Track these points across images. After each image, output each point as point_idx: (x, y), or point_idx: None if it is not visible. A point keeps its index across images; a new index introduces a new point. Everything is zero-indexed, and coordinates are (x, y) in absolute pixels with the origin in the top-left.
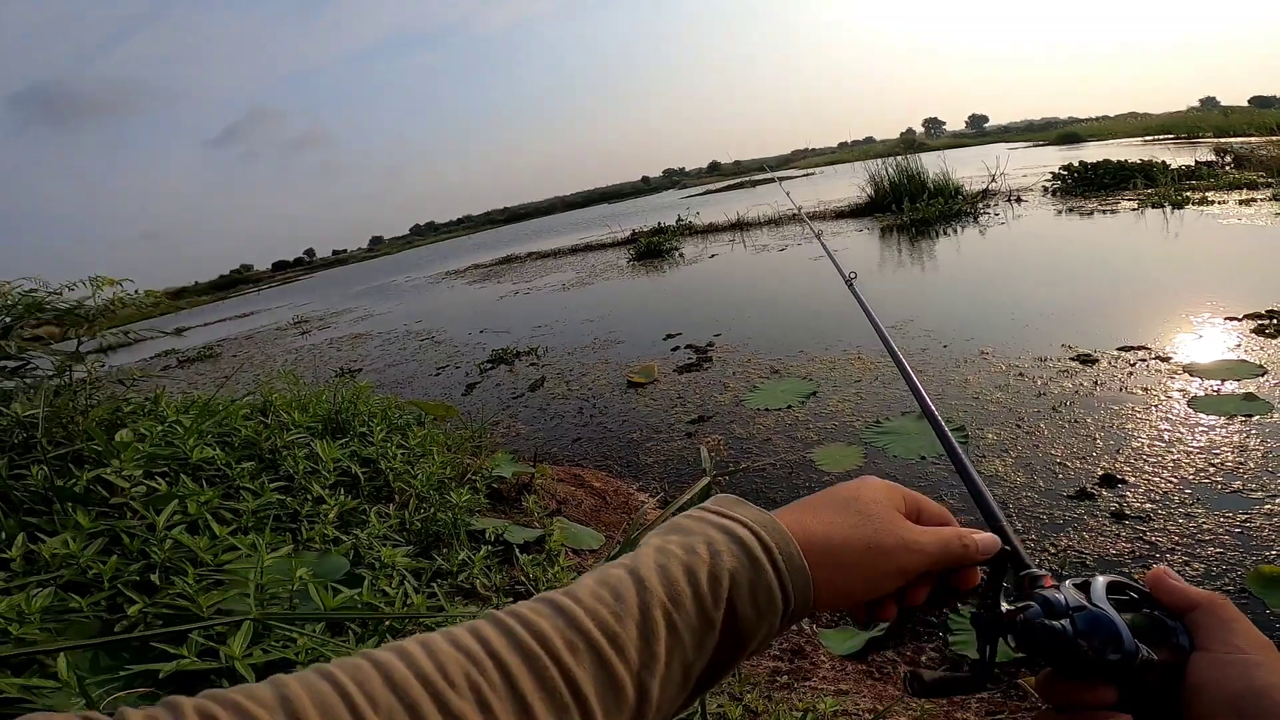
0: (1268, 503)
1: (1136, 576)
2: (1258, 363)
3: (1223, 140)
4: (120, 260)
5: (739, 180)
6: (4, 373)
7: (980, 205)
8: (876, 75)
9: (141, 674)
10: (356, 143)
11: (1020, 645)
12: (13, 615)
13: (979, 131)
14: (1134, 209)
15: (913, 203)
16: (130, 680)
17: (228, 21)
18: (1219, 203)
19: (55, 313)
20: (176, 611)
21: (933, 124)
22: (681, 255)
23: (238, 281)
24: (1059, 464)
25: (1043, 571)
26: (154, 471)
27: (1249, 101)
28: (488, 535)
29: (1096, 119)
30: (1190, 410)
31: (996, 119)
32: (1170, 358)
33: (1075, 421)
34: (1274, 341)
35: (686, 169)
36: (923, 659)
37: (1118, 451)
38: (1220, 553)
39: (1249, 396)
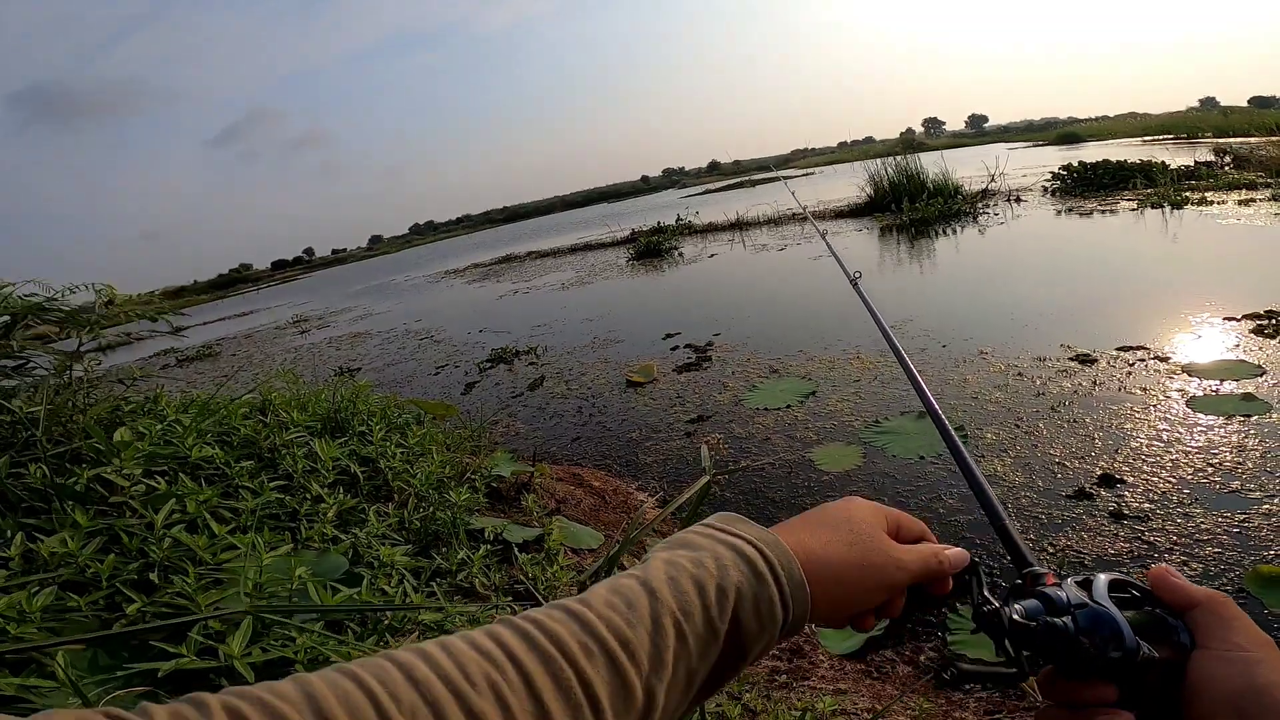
0: (1266, 502)
1: (1137, 575)
2: (1256, 363)
3: (1222, 140)
4: (120, 260)
5: (738, 180)
6: (4, 371)
7: (980, 205)
8: (876, 75)
9: (140, 673)
10: (356, 143)
11: (1022, 642)
12: (12, 614)
13: (978, 131)
14: (1133, 209)
15: (912, 202)
16: (129, 679)
17: (228, 21)
18: (1218, 203)
19: (59, 314)
20: (176, 610)
21: (932, 124)
22: (681, 255)
23: (237, 280)
24: (1058, 464)
25: (1045, 569)
26: (153, 470)
27: (1249, 102)
28: (487, 534)
29: (1096, 119)
30: (1189, 410)
31: (996, 119)
32: (1169, 358)
33: (1074, 421)
34: (1273, 342)
35: (686, 168)
36: (920, 658)
37: (1116, 451)
38: (1218, 552)
39: (1247, 397)
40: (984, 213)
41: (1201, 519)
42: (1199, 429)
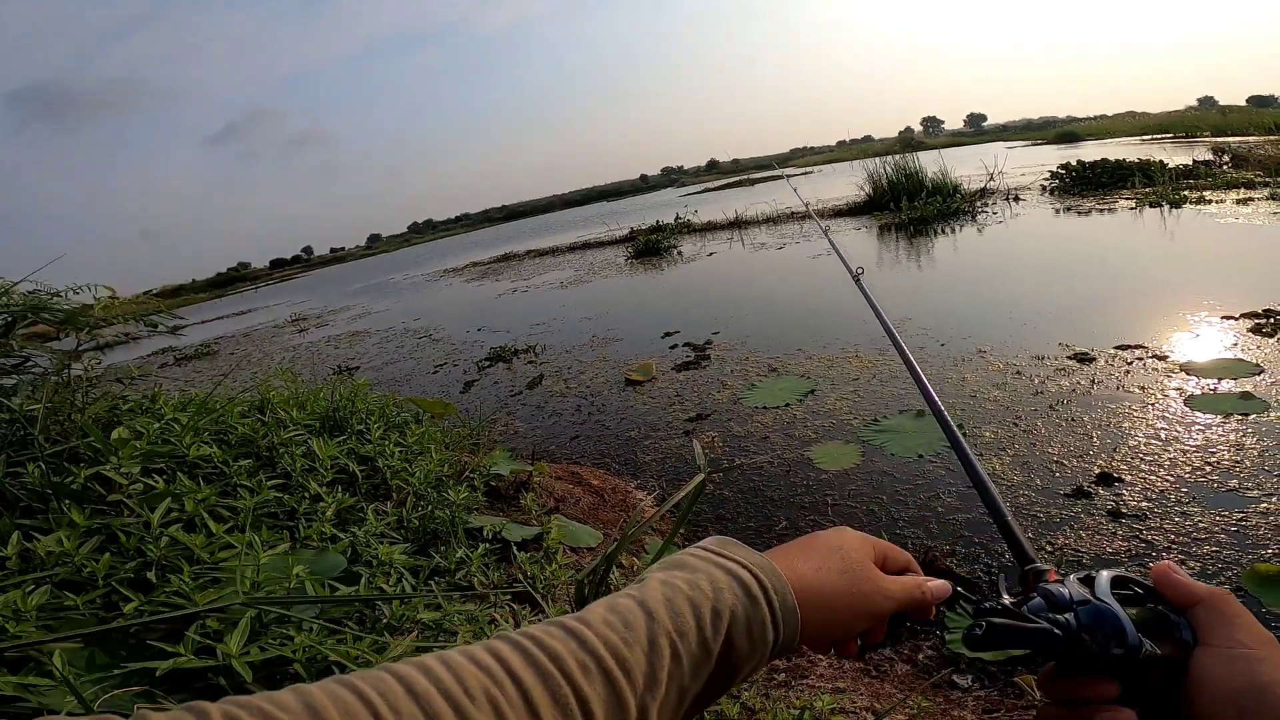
0: (1264, 501)
1: (1138, 573)
2: (1254, 362)
3: (1221, 139)
4: (119, 259)
5: (737, 179)
6: (4, 370)
7: (978, 204)
8: (875, 75)
9: (138, 672)
10: (356, 142)
11: (1024, 639)
12: (8, 613)
13: (977, 130)
14: (1132, 208)
15: (911, 201)
16: (126, 678)
17: (227, 21)
18: (1216, 202)
19: (58, 314)
20: (173, 609)
21: (931, 123)
22: (680, 253)
23: (235, 279)
24: (1056, 462)
25: (1047, 566)
26: (151, 469)
27: (1247, 101)
28: (485, 533)
29: (1095, 118)
30: (1187, 409)
31: (995, 118)
32: (1167, 356)
33: (1072, 420)
34: (1271, 340)
35: (685, 167)
36: (919, 656)
37: (1115, 450)
38: (1216, 551)
39: (1246, 395)
40: (982, 212)
41: (1199, 517)
42: (1197, 428)
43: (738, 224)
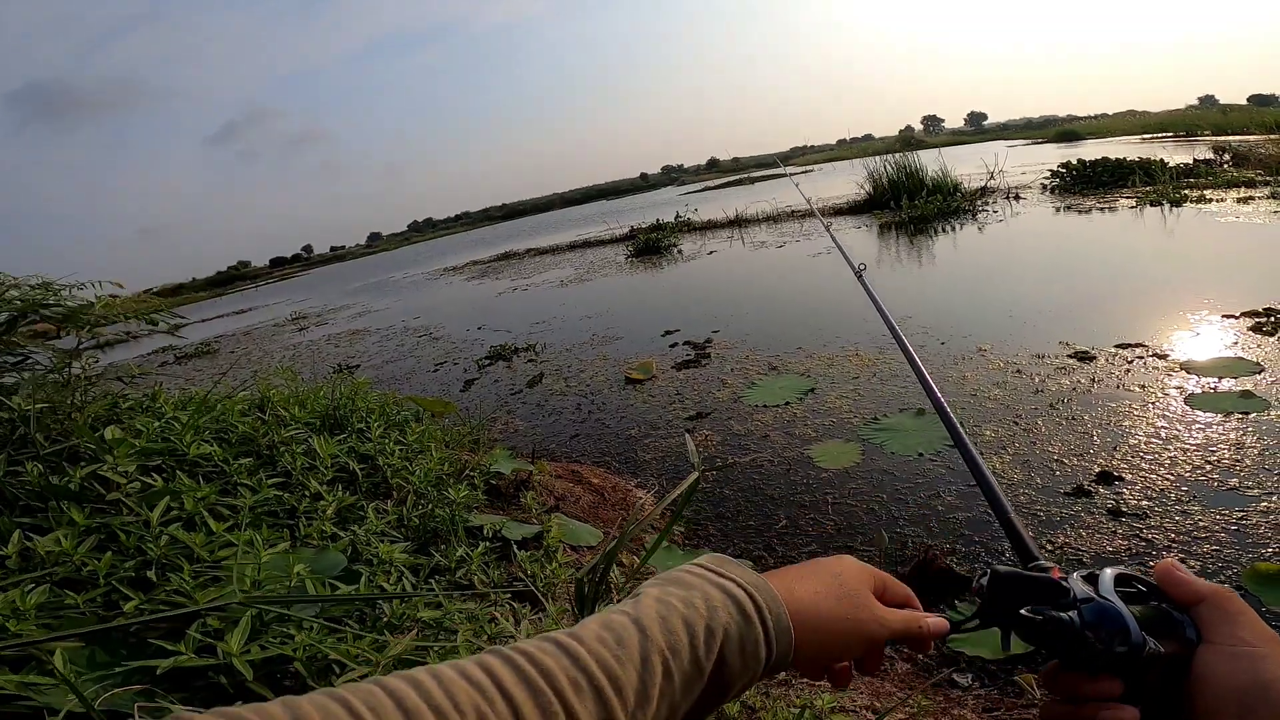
0: (1264, 500)
1: (1142, 570)
2: (1255, 360)
3: (1221, 138)
4: (119, 258)
5: (738, 177)
6: (6, 368)
7: (978, 203)
8: (876, 74)
9: (138, 670)
10: (355, 141)
11: (1027, 636)
12: (8, 612)
13: (978, 129)
14: (1132, 207)
15: (911, 200)
16: (127, 676)
17: (227, 21)
18: (1217, 201)
19: (61, 311)
20: (173, 608)
21: (931, 121)
22: (680, 252)
23: (235, 278)
24: (1056, 461)
25: (1050, 563)
26: (151, 468)
27: (1248, 100)
28: (485, 531)
29: (1095, 117)
30: (1187, 408)
31: (995, 116)
32: (1168, 355)
33: (1072, 418)
34: (1271, 339)
35: (685, 166)
36: (920, 656)
37: (1115, 449)
38: (1217, 550)
39: (1246, 394)
40: (983, 210)
41: (1199, 516)
42: (1197, 426)
43: (738, 222)
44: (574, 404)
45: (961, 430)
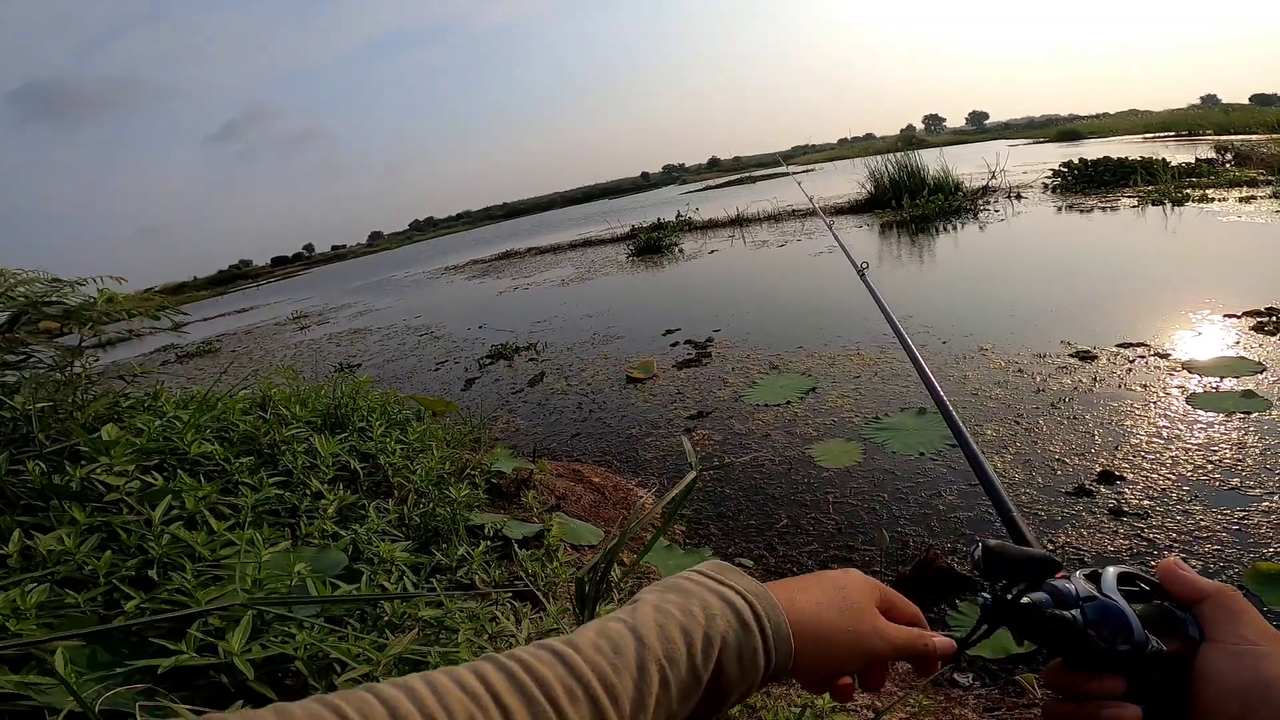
0: (1266, 500)
1: (1145, 569)
2: (1257, 360)
3: (1223, 138)
4: (119, 258)
5: (739, 176)
6: (10, 365)
7: (980, 202)
8: (877, 73)
9: (140, 669)
10: (356, 140)
11: (1030, 635)
12: (9, 611)
13: (979, 128)
14: (1134, 206)
15: (912, 199)
16: (128, 676)
17: (227, 20)
18: (1219, 200)
19: (64, 308)
20: (175, 607)
21: (933, 120)
22: (681, 251)
23: (237, 277)
24: (1057, 460)
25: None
26: (151, 467)
27: (1250, 99)
28: (486, 530)
29: (1097, 116)
30: (1189, 407)
31: (997, 116)
32: (1169, 354)
33: (1074, 418)
34: (1273, 339)
35: (686, 165)
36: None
37: (1116, 448)
38: (1218, 550)
39: (1248, 394)
40: (984, 209)
41: (1201, 516)
42: (1199, 426)
43: (739, 221)
44: (575, 403)
45: (964, 429)
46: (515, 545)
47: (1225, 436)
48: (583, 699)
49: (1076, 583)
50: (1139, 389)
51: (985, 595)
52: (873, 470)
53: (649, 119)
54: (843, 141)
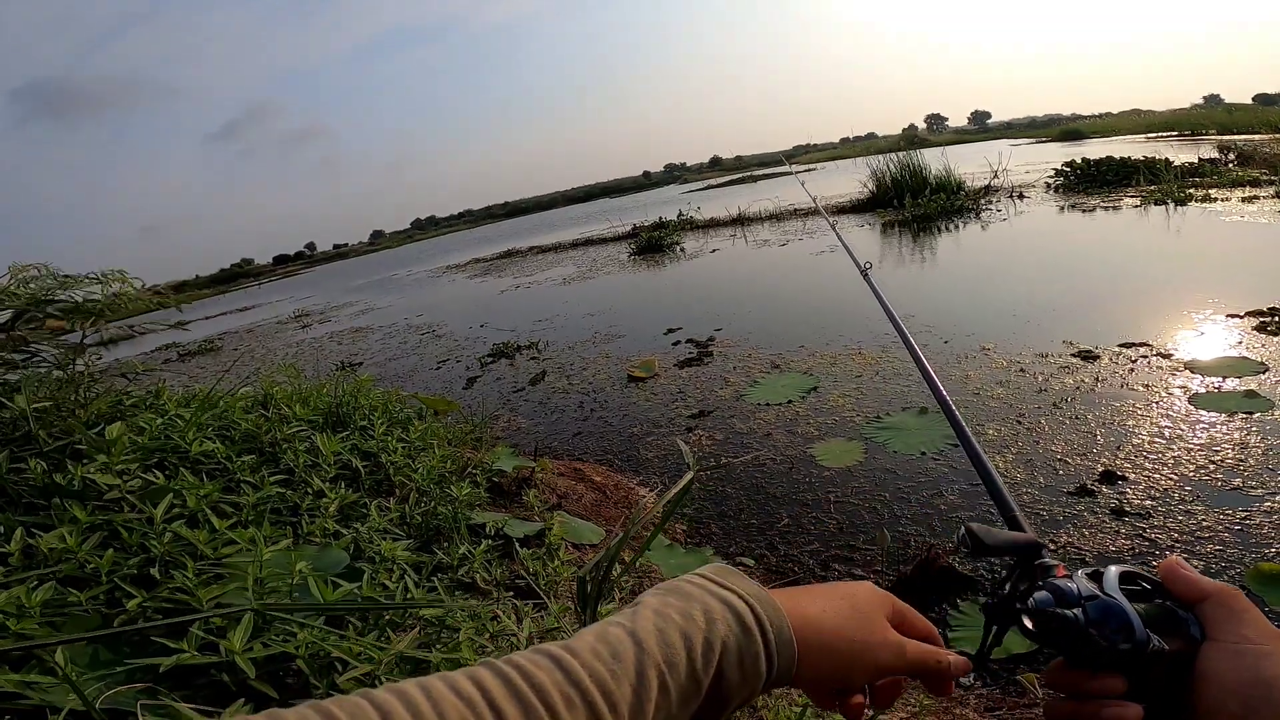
0: (1268, 500)
1: (1147, 568)
2: (1259, 360)
3: (1226, 137)
4: (120, 257)
5: (740, 175)
6: (14, 364)
7: (982, 201)
8: (879, 73)
9: (141, 668)
10: (357, 139)
11: (1031, 634)
12: (11, 609)
13: (981, 128)
14: (1137, 206)
15: (915, 199)
16: (130, 675)
17: (227, 19)
18: (1222, 200)
19: (66, 305)
20: (176, 606)
21: (935, 120)
22: (682, 250)
23: (238, 275)
24: (1059, 460)
25: (1055, 561)
26: (152, 465)
27: (1253, 99)
28: (488, 529)
29: (1099, 116)
30: (1191, 407)
31: (999, 115)
32: (1172, 354)
33: (1076, 418)
34: (1276, 339)
35: (688, 164)
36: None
37: (1118, 448)
38: (1220, 550)
39: (1250, 394)
40: (986, 209)
41: (1203, 516)
42: (1201, 426)
43: (740, 221)
44: (576, 402)
45: (966, 428)
46: (516, 544)
47: (1227, 437)
48: (580, 705)
49: (1078, 582)
50: (1141, 389)
51: (987, 597)
52: (874, 470)
53: (650, 118)
54: (845, 141)
